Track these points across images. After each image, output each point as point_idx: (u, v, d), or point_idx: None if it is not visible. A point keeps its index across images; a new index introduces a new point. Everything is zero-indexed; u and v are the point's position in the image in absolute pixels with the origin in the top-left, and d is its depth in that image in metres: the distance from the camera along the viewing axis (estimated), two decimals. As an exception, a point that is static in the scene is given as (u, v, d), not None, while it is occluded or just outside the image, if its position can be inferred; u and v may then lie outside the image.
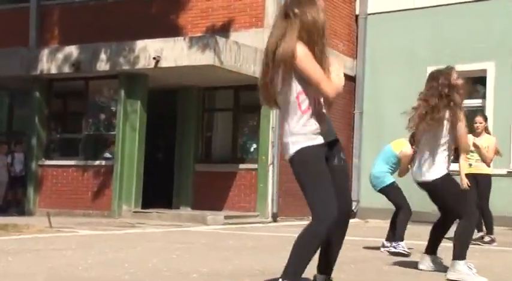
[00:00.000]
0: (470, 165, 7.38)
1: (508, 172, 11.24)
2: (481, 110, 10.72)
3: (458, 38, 11.83)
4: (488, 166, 7.38)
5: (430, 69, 11.92)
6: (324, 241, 3.05)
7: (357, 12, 13.00)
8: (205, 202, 11.31)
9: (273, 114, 10.95)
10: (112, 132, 11.39)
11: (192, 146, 11.79)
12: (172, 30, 11.46)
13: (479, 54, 11.62)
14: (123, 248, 5.78)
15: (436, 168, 4.47)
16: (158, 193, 11.84)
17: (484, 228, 7.41)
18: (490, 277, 4.49)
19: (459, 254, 4.34)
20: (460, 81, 4.56)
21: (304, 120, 3.01)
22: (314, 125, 3.01)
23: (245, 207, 11.16)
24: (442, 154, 4.46)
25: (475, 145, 7.32)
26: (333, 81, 3.00)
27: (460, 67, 13.26)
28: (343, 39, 12.90)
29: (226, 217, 10.05)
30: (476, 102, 12.11)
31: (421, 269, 4.75)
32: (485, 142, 7.44)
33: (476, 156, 7.39)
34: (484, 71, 11.60)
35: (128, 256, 5.15)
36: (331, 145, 3.11)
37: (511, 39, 11.36)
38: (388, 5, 12.56)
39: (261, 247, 6.43)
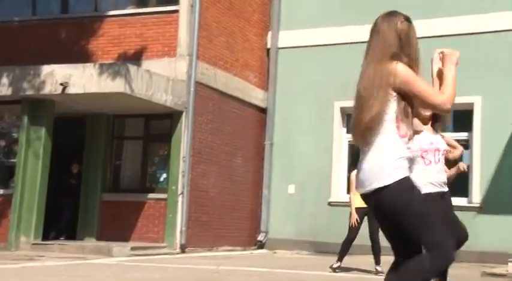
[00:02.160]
0: None
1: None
2: None
3: (363, 75, 12.37)
4: None
5: (337, 103, 12.56)
6: None
7: (268, 46, 13.33)
8: (112, 233, 10.97)
9: (184, 144, 10.89)
10: (12, 160, 10.84)
11: (99, 175, 11.46)
12: (81, 56, 11.20)
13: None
14: (19, 283, 5.46)
15: None
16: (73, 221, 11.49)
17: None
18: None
19: None
20: None
21: None
22: None
23: (153, 238, 10.92)
24: None
25: None
26: None
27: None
28: (255, 71, 13.15)
29: (132, 248, 9.79)
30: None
31: None
32: None
33: None
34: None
35: (23, 292, 4.86)
36: None
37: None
38: (298, 41, 12.98)
39: (167, 279, 6.30)
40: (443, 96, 2.73)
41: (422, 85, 2.71)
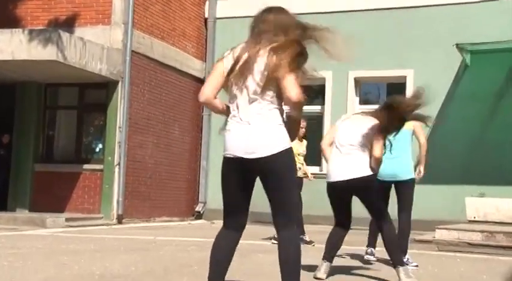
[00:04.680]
0: (299, 168, 7.71)
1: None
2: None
3: (301, 47, 12.47)
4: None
5: (274, 74, 12.58)
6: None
7: (206, 16, 13.18)
8: (46, 204, 10.73)
9: (120, 114, 10.72)
10: None
11: (31, 145, 11.13)
12: (8, 22, 10.71)
13: (318, 63, 12.33)
14: None
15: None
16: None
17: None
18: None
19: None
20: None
21: None
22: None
23: (89, 209, 10.78)
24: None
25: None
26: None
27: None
28: (193, 41, 13.01)
29: (67, 220, 9.63)
30: (316, 108, 12.89)
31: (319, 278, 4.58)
32: (304, 146, 7.91)
33: (302, 160, 7.80)
34: (323, 79, 12.38)
35: (-49, 265, 4.72)
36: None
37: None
38: (236, 11, 12.88)
39: (103, 250, 6.26)
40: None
41: None
